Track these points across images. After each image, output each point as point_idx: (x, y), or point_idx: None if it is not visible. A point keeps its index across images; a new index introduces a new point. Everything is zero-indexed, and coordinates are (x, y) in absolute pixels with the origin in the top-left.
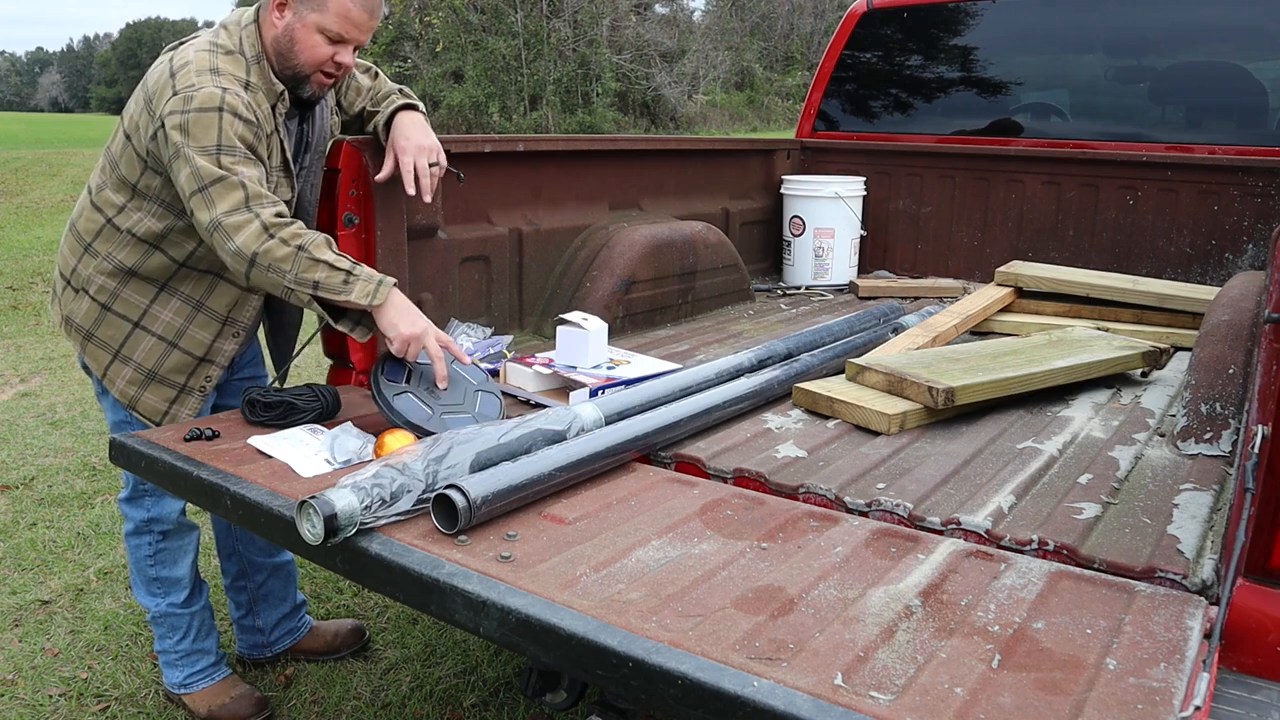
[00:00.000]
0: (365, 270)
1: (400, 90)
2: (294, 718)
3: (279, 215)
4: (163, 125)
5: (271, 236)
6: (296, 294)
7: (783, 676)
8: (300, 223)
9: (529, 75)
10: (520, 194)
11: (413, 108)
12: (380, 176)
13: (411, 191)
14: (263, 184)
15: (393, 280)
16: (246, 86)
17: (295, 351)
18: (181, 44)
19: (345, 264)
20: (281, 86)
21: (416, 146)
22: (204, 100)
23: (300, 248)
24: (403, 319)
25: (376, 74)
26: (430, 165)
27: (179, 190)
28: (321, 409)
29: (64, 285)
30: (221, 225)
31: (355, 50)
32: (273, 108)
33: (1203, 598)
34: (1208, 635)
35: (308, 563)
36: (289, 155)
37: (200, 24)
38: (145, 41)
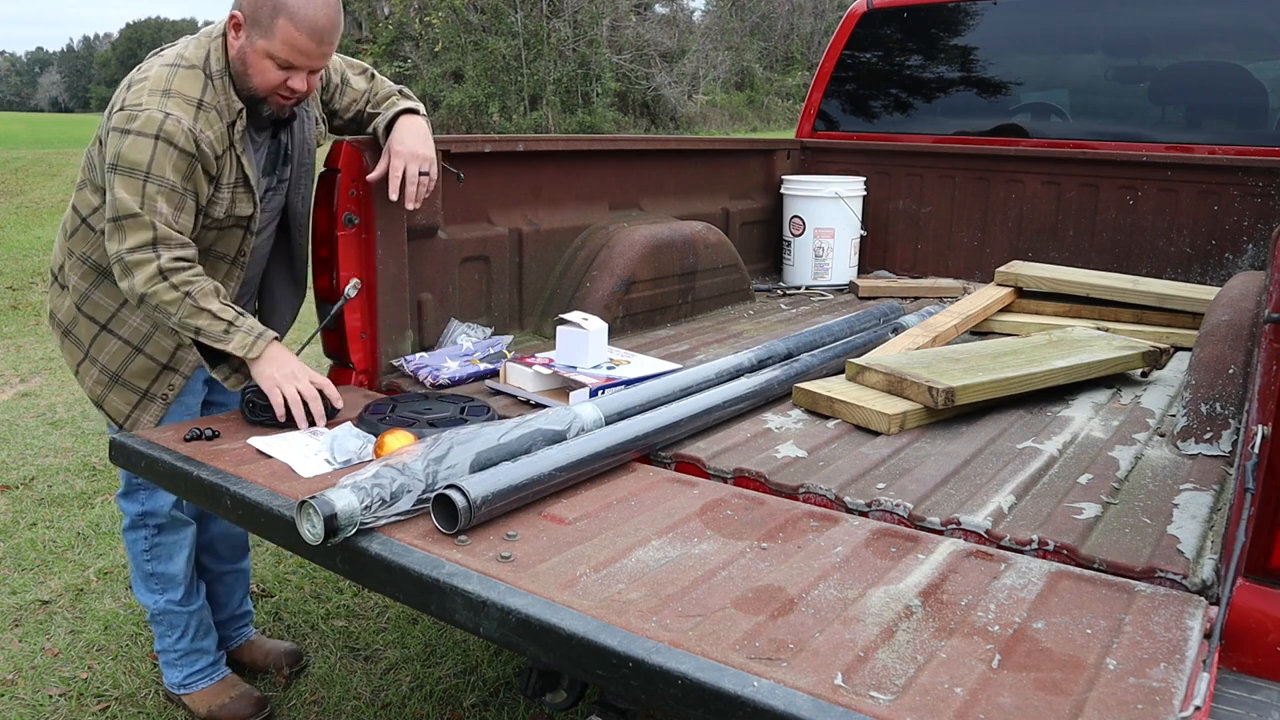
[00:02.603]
0: (247, 323)
1: (401, 91)
2: (294, 718)
3: (177, 260)
4: (106, 136)
5: (164, 279)
6: (181, 335)
7: (783, 676)
8: (198, 269)
9: (529, 75)
10: (520, 194)
11: (414, 111)
12: (372, 176)
13: (394, 197)
14: (175, 224)
15: (273, 334)
16: (200, 106)
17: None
18: (162, 50)
19: (228, 315)
20: (240, 104)
21: (410, 153)
22: (144, 124)
23: (187, 294)
24: (276, 368)
25: (373, 75)
26: (421, 174)
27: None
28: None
29: (52, 280)
30: (124, 260)
31: (312, 75)
32: (231, 125)
33: (1203, 598)
34: (1208, 635)
35: (307, 562)
36: (249, 172)
37: (200, 23)
38: (145, 41)
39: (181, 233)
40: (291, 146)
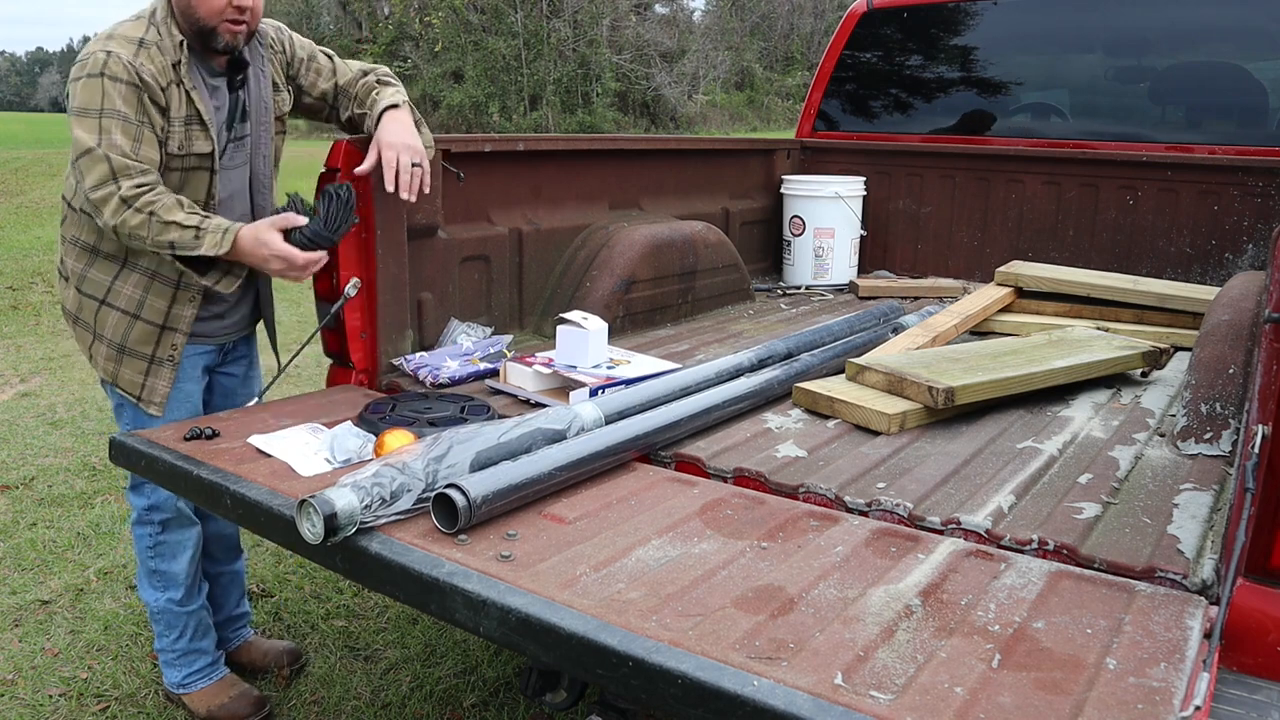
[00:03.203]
0: (214, 222)
1: (380, 81)
2: (294, 718)
3: (137, 187)
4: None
5: (128, 207)
6: (160, 255)
7: (783, 676)
8: (160, 189)
9: (529, 75)
10: (520, 194)
11: (397, 107)
12: (360, 169)
13: (390, 187)
14: (134, 155)
15: (239, 225)
16: (141, 44)
17: (294, 352)
18: None
19: (194, 221)
20: (181, 38)
21: (401, 144)
22: (91, 66)
23: (152, 214)
24: (251, 250)
25: (332, 56)
26: (412, 165)
27: None
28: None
29: (58, 276)
30: (90, 199)
31: None
32: (176, 64)
33: (1203, 598)
34: (1208, 635)
35: (307, 562)
36: (201, 107)
37: None
38: None
39: (142, 162)
40: (249, 102)
